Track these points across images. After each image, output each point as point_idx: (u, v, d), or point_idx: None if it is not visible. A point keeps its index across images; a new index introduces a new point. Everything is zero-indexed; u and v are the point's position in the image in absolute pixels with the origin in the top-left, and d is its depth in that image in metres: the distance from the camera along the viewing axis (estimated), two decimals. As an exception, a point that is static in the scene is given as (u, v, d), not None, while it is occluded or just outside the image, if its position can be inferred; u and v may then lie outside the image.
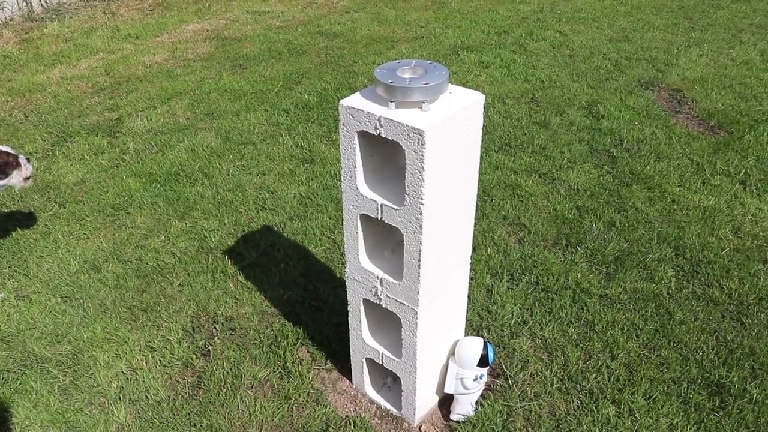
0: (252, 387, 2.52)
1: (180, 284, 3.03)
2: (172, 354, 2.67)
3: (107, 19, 6.49)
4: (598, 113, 4.60)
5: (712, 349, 2.73)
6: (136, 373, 2.59)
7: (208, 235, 3.33)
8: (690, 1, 7.08)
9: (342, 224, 3.41)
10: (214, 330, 2.79)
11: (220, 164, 3.95)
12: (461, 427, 2.37)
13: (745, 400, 2.51)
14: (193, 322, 2.83)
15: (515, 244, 3.34)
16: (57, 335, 2.79)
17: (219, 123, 4.42)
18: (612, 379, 2.59)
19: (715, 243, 3.35)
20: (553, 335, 2.78)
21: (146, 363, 2.63)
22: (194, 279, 3.05)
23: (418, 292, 2.04)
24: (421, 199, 1.85)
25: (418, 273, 2.00)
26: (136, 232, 3.38)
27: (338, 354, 2.67)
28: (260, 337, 2.74)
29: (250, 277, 3.07)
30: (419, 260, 1.97)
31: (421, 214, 1.88)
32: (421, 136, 1.74)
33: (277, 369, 2.59)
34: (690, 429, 2.39)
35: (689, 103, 4.80)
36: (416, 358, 2.20)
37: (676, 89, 5.01)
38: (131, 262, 3.17)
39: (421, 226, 1.90)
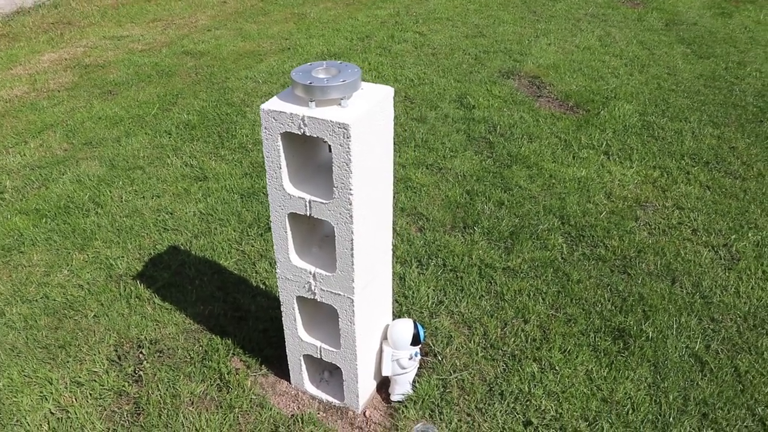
0: (193, 403, 2.51)
1: (95, 315, 2.93)
2: (102, 385, 2.59)
3: (-53, 56, 6.04)
4: (469, 104, 4.91)
5: (609, 301, 3.05)
6: (68, 411, 2.49)
7: (114, 263, 3.24)
8: (531, -4, 7.67)
9: (248, 235, 3.45)
10: (140, 355, 2.73)
11: (110, 192, 3.83)
12: (403, 406, 2.50)
13: (643, 338, 2.83)
14: (117, 350, 2.76)
15: (416, 232, 3.52)
16: (-33, 388, 2.62)
17: (100, 151, 4.28)
18: (529, 340, 2.82)
19: (593, 209, 3.70)
20: (468, 310, 2.98)
21: (75, 399, 2.54)
22: (109, 308, 2.97)
23: (353, 281, 2.14)
24: (350, 189, 1.96)
25: (352, 261, 2.10)
26: (35, 270, 3.22)
27: (271, 358, 2.71)
28: (190, 355, 2.72)
29: (166, 298, 3.03)
30: (352, 249, 2.07)
31: (350, 204, 1.98)
32: (346, 129, 1.85)
33: (214, 382, 2.60)
34: (603, 372, 2.67)
35: (548, 88, 5.23)
36: (356, 346, 2.30)
37: (533, 76, 5.43)
38: (36, 300, 3.03)
39: (351, 216, 2.01)
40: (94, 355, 2.73)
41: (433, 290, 3.09)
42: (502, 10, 7.15)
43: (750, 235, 3.52)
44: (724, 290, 3.14)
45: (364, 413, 2.50)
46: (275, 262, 3.23)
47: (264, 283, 3.12)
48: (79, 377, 2.63)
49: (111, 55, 5.97)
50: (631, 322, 2.92)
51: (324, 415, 2.49)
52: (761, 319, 2.97)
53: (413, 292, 3.07)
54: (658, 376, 2.66)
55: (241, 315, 2.94)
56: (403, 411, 2.48)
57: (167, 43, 6.31)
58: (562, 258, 3.32)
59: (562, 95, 5.08)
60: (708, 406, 2.54)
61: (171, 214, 3.63)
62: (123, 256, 3.30)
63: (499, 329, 2.88)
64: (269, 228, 3.50)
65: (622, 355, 2.76)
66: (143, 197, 3.78)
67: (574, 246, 3.41)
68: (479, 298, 3.05)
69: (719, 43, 6.27)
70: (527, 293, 3.08)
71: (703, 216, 3.67)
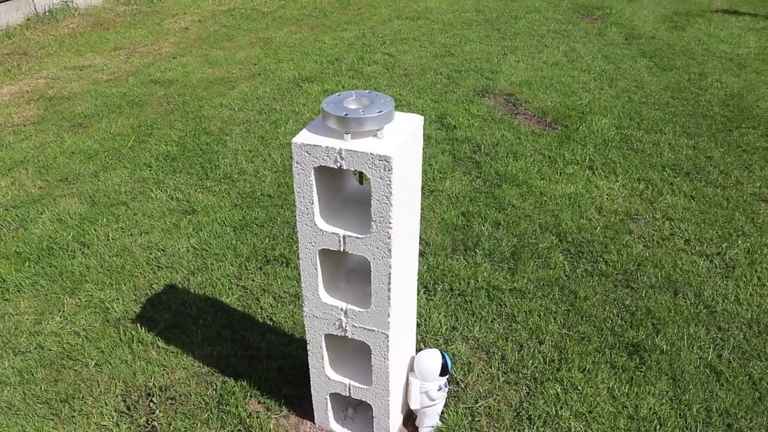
0: (214, 452, 2.40)
1: (96, 364, 2.78)
2: (114, 439, 2.46)
3: None
4: (449, 124, 4.91)
5: (618, 316, 3.06)
6: (79, 470, 2.35)
7: (109, 306, 3.09)
8: (492, 15, 7.77)
9: (247, 269, 3.33)
10: (151, 404, 2.60)
11: (95, 230, 3.67)
12: (434, 439, 2.44)
13: (657, 352, 2.84)
14: (125, 400, 2.61)
15: (418, 257, 3.47)
16: (-34, 452, 2.44)
17: (79, 187, 4.10)
18: (547, 361, 2.80)
19: (587, 224, 3.73)
20: (483, 334, 2.94)
21: (87, 456, 2.39)
22: (110, 355, 2.82)
23: (388, 316, 2.08)
24: (389, 223, 1.90)
25: (389, 296, 2.04)
26: (24, 319, 3.04)
27: (291, 397, 2.61)
28: (204, 400, 2.60)
29: (171, 340, 2.90)
30: (389, 284, 2.01)
31: (389, 238, 1.93)
32: (387, 162, 1.80)
33: (235, 427, 2.48)
34: (624, 388, 2.66)
35: (524, 105, 5.28)
36: (389, 382, 2.24)
37: (508, 93, 5.48)
38: (30, 352, 2.85)
39: (390, 250, 1.95)
40: (101, 407, 2.58)
41: (445, 316, 3.04)
42: (466, 29, 7.21)
43: (740, 242, 3.59)
44: (725, 299, 3.19)
45: (395, 449, 2.43)
46: (280, 297, 3.15)
47: (271, 319, 3.02)
48: (89, 432, 2.48)
49: (75, 86, 5.77)
50: (643, 336, 2.93)
51: (354, 454, 2.41)
52: (765, 325, 3.02)
53: (425, 320, 3.02)
54: (678, 389, 2.67)
55: (252, 354, 2.83)
56: (434, 444, 2.42)
57: (133, 72, 6.14)
58: (566, 275, 3.32)
59: (539, 112, 5.13)
60: (731, 416, 2.56)
61: (163, 251, 3.49)
62: (118, 298, 3.15)
63: (516, 352, 2.85)
64: (268, 261, 3.40)
65: (640, 370, 2.76)
66: (131, 234, 3.63)
67: (575, 263, 3.42)
68: (491, 321, 3.02)
69: (678, 55, 6.46)
70: (538, 314, 3.07)
71: (692, 226, 3.73)
